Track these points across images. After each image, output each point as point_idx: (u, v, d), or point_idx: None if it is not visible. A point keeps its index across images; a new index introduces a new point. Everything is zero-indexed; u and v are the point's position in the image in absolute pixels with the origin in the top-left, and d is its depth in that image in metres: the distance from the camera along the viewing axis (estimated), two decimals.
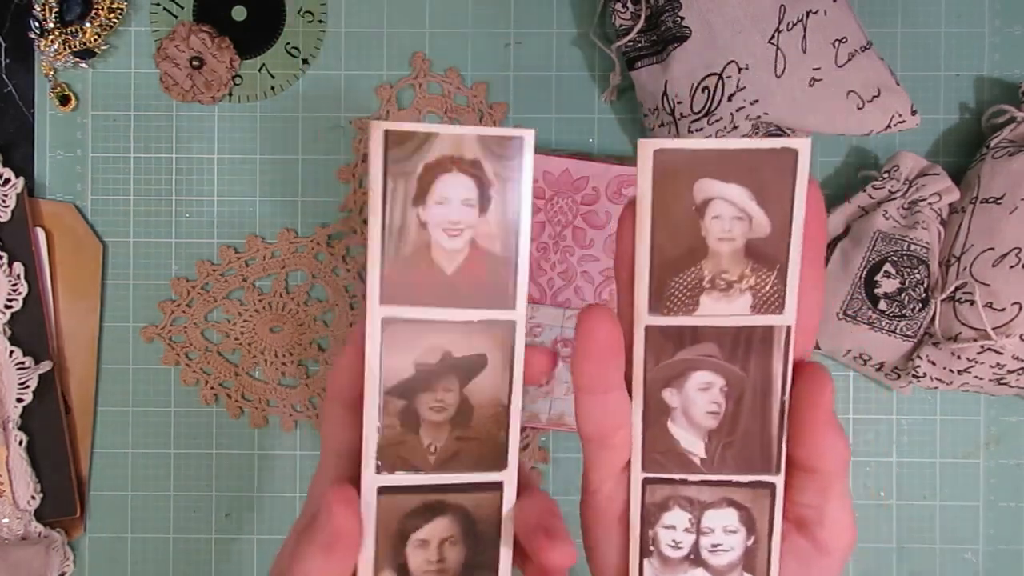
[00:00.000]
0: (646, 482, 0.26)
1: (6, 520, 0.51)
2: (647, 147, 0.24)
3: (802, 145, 0.24)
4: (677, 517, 0.27)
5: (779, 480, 0.26)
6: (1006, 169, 0.47)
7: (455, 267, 0.25)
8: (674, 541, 0.27)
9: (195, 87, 0.52)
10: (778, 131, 0.48)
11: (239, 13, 0.52)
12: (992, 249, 0.47)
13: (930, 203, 0.48)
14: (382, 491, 0.25)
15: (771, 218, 0.24)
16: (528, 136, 0.24)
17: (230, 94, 0.53)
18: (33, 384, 0.50)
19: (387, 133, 0.23)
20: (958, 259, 0.48)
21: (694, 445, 0.26)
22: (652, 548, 0.27)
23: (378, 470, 0.25)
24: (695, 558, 0.27)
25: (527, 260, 0.25)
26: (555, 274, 0.50)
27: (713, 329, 0.25)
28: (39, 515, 0.51)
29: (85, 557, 0.53)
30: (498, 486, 0.26)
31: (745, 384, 0.26)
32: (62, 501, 0.52)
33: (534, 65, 0.53)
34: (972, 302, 0.47)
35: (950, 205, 0.49)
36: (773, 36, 0.45)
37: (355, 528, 0.25)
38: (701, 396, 0.26)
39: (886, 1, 0.53)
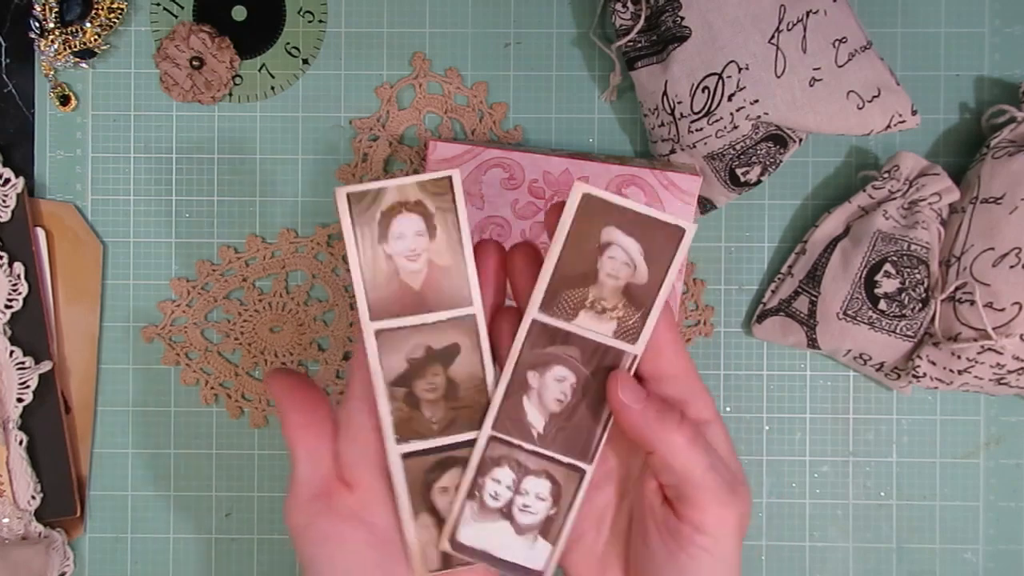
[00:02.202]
0: (491, 439, 0.33)
1: (6, 520, 0.51)
2: (579, 189, 0.31)
3: (690, 228, 0.31)
4: (504, 474, 0.33)
5: (589, 470, 0.33)
6: (1006, 169, 0.47)
7: (420, 282, 0.32)
8: (495, 493, 0.33)
9: (195, 87, 0.52)
10: (778, 131, 0.48)
11: (239, 13, 0.52)
12: (992, 249, 0.47)
13: (930, 203, 0.48)
14: (405, 456, 0.32)
15: (650, 273, 0.31)
16: (455, 174, 0.31)
17: (230, 94, 0.53)
18: (33, 384, 0.50)
19: (349, 195, 0.31)
20: (958, 259, 0.48)
21: (537, 421, 0.33)
22: (476, 493, 0.33)
23: (397, 442, 0.32)
24: (506, 512, 0.33)
25: (473, 267, 0.32)
26: None
27: (581, 338, 0.32)
28: (39, 515, 0.51)
29: (85, 557, 0.53)
30: None
31: (590, 387, 0.32)
32: (62, 501, 0.52)
33: (534, 65, 0.53)
34: (972, 302, 0.47)
35: (950, 205, 0.49)
36: (773, 36, 0.45)
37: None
38: (555, 385, 0.32)
39: (886, 1, 0.53)
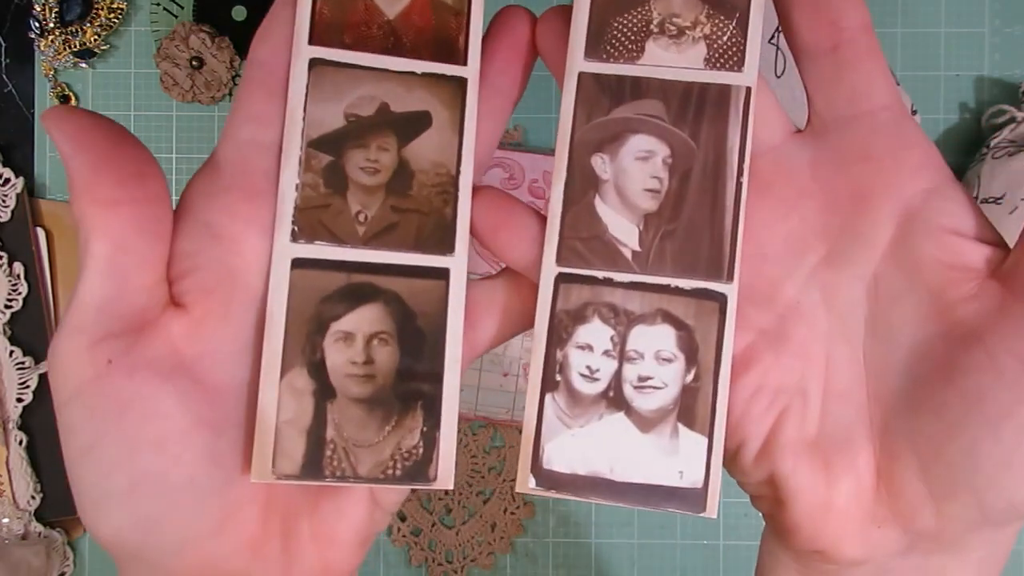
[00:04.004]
0: (560, 280, 0.20)
1: (6, 520, 0.51)
2: None
3: None
4: (596, 333, 0.20)
5: (731, 291, 0.20)
6: (1006, 169, 0.47)
7: (398, 11, 0.21)
8: (589, 369, 0.20)
9: (195, 87, 0.52)
10: None
11: (239, 13, 0.52)
12: None
13: None
14: (297, 264, 0.20)
15: None
16: None
17: (230, 94, 0.53)
18: (33, 384, 0.50)
19: None
20: None
21: (626, 233, 0.21)
22: (559, 378, 0.20)
23: (294, 237, 0.20)
24: (615, 396, 0.20)
25: (480, 16, 0.22)
26: None
27: (659, 82, 0.21)
28: (39, 515, 0.51)
29: (85, 557, 0.53)
30: (443, 274, 0.21)
31: (694, 157, 0.20)
32: (62, 501, 0.52)
33: (534, 65, 0.53)
34: None
35: None
36: (773, 36, 0.45)
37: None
38: (639, 167, 0.21)
39: (886, 1, 0.53)
